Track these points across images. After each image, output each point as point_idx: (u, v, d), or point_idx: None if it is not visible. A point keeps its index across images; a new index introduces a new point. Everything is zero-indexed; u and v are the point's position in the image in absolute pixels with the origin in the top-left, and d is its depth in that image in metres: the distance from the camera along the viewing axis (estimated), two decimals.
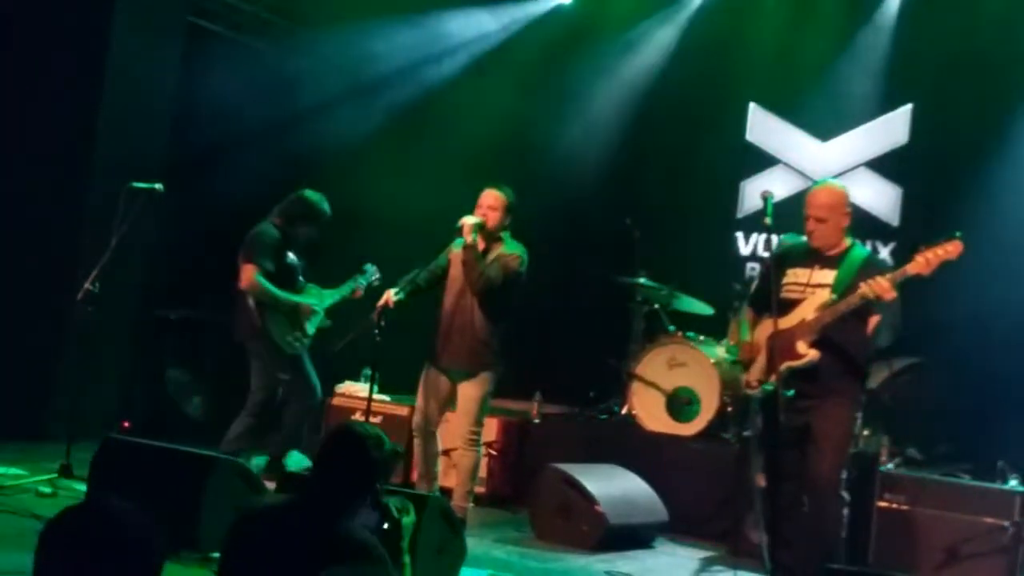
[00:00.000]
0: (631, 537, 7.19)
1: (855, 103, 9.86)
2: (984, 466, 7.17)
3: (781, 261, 5.89)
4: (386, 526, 3.72)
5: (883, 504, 6.78)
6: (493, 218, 6.74)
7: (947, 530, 6.63)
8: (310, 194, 7.46)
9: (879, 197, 9.81)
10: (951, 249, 5.28)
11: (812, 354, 5.54)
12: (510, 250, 6.80)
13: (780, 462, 5.61)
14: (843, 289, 5.55)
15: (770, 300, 5.62)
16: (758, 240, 10.09)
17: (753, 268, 9.84)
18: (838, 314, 5.51)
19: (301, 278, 7.46)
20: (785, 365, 5.53)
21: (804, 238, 5.90)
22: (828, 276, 5.66)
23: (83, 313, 7.26)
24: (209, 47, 9.75)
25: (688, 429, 8.28)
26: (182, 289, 9.60)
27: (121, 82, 8.91)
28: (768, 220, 5.56)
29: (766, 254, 5.79)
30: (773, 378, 5.57)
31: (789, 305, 5.67)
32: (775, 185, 8.91)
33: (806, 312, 5.62)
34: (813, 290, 5.67)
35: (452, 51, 10.71)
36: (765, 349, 5.72)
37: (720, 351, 8.45)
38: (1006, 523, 6.56)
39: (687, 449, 8.15)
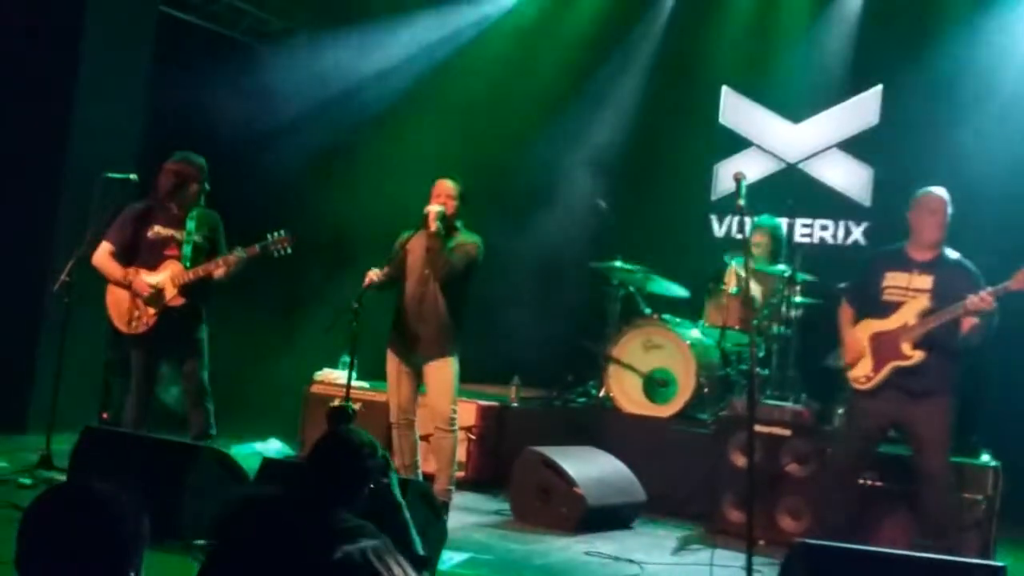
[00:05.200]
0: (610, 518, 7.24)
1: (826, 85, 9.92)
2: (958, 442, 7.24)
3: (880, 264, 6.40)
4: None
5: (861, 481, 6.85)
6: (451, 207, 6.80)
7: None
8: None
9: (851, 178, 9.89)
10: None
11: (918, 355, 6.05)
12: (468, 239, 6.86)
13: (860, 449, 6.41)
14: (941, 295, 6.03)
15: (869, 301, 6.25)
16: (732, 222, 10.15)
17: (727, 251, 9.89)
18: (943, 321, 5.99)
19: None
20: (892, 364, 6.09)
21: (897, 244, 6.38)
22: (926, 282, 6.12)
23: (60, 304, 7.27)
24: (183, 37, 9.72)
25: (665, 411, 8.35)
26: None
27: (95, 73, 8.88)
28: (741, 202, 5.62)
29: (740, 236, 5.95)
30: (878, 377, 6.12)
31: (890, 307, 6.16)
32: (748, 167, 8.99)
33: (908, 316, 6.10)
34: (914, 294, 6.13)
35: (426, 49, 10.72)
36: (868, 348, 6.19)
37: (696, 333, 8.51)
38: (980, 497, 6.66)
39: (664, 430, 8.21)
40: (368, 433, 3.65)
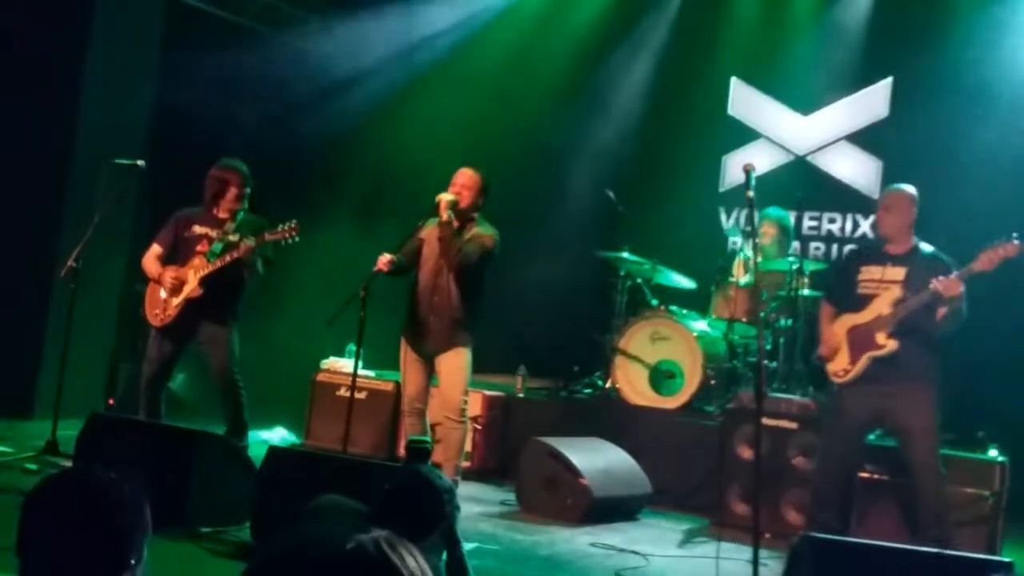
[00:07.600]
0: (616, 509, 7.23)
1: (836, 77, 9.89)
2: (965, 437, 7.23)
3: (855, 259, 6.60)
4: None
5: (865, 475, 6.83)
6: (466, 197, 6.75)
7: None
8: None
9: (860, 170, 9.86)
10: (1010, 249, 5.80)
11: (891, 344, 6.12)
12: (484, 230, 6.82)
13: (846, 442, 6.36)
14: (914, 285, 6.08)
15: (846, 296, 6.34)
16: (740, 214, 10.13)
17: (735, 243, 9.86)
18: (912, 309, 6.06)
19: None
20: (868, 355, 6.17)
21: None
22: (899, 273, 6.20)
23: (67, 290, 7.27)
24: (191, 23, 9.70)
25: (671, 402, 8.33)
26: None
27: (103, 58, 8.87)
28: (750, 193, 5.61)
29: (748, 228, 6.00)
30: (855, 369, 6.20)
31: (865, 300, 6.25)
32: (757, 159, 8.93)
33: (881, 307, 6.18)
34: (887, 286, 6.21)
35: (436, 35, 10.67)
36: (846, 341, 6.28)
37: (702, 325, 8.49)
38: (987, 492, 6.64)
39: (670, 422, 8.20)
40: (445, 476, 3.83)
